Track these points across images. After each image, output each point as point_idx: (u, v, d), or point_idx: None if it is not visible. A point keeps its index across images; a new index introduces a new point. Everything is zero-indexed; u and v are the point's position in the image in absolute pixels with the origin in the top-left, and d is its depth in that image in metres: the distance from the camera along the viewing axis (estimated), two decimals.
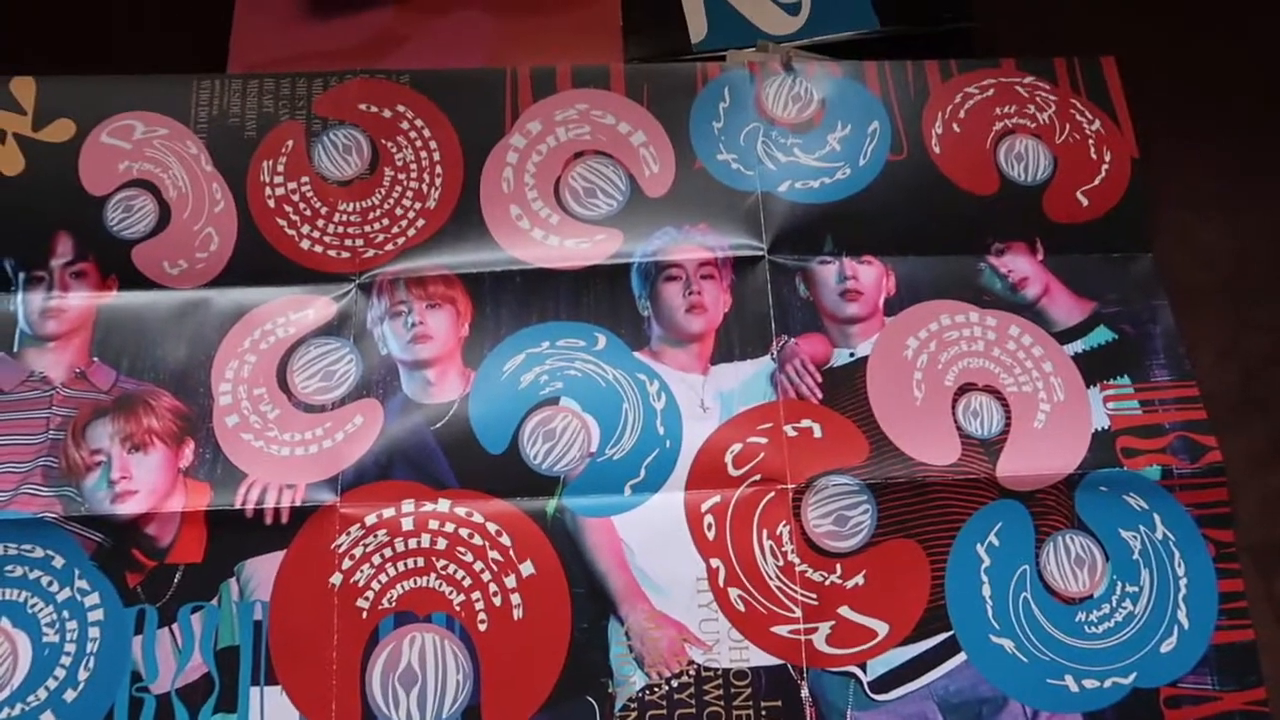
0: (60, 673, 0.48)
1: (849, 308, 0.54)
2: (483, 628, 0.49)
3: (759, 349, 0.53)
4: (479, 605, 0.49)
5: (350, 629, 0.48)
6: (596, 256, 0.55)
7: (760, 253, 0.55)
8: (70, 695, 0.48)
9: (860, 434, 0.52)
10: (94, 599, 0.49)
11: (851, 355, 0.54)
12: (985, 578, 0.50)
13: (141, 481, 0.50)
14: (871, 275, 0.55)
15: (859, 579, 0.50)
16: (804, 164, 0.57)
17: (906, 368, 0.53)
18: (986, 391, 0.53)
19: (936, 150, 0.58)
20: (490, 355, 0.53)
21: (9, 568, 0.49)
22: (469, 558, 0.50)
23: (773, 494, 0.51)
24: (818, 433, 0.52)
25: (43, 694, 0.48)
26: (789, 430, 0.52)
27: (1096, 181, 0.58)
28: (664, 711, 0.48)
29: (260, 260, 0.55)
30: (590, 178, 0.57)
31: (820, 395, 0.53)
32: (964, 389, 0.53)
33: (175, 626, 0.49)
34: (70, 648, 0.48)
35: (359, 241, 0.55)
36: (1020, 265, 0.56)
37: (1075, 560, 0.51)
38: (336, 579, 0.49)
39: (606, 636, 0.49)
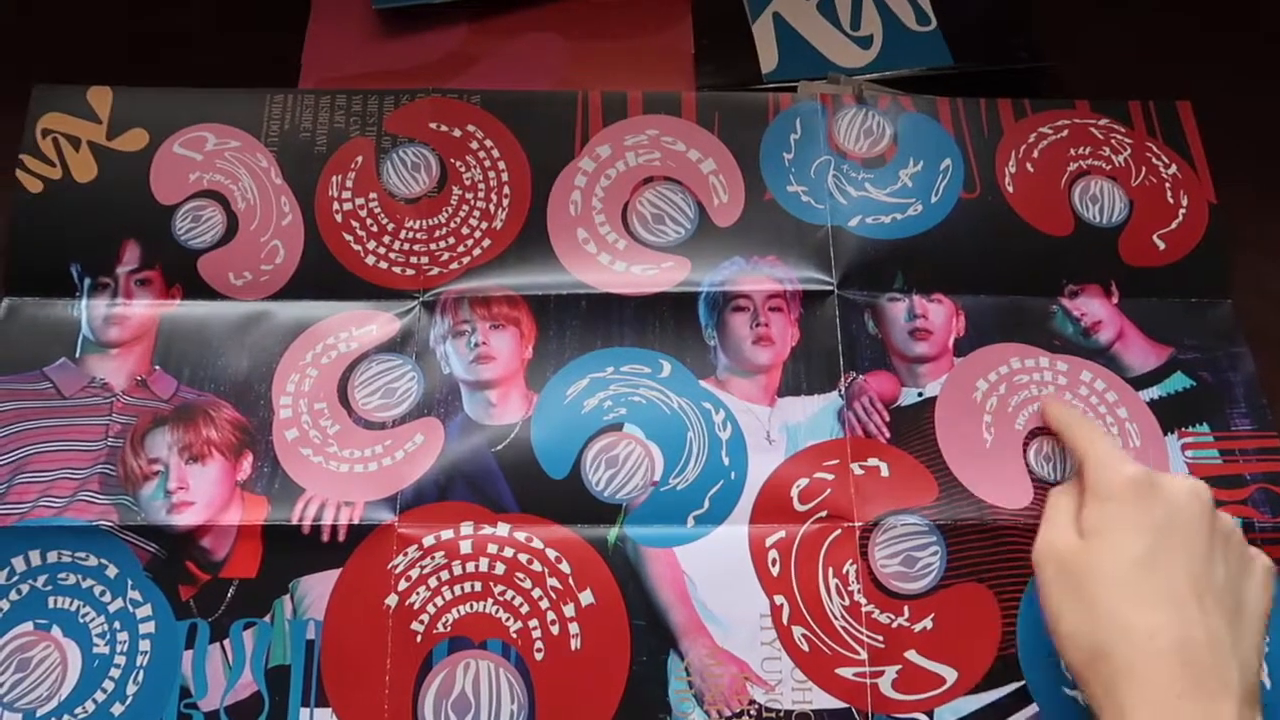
0: (109, 685, 0.48)
1: (918, 346, 0.54)
2: (539, 657, 0.48)
3: (826, 384, 0.53)
4: (536, 633, 0.48)
5: (404, 652, 0.48)
6: (663, 284, 0.55)
7: (829, 287, 0.55)
8: (118, 709, 0.47)
9: (929, 475, 0.51)
10: (146, 610, 0.48)
11: (920, 395, 0.53)
12: None
13: (199, 493, 0.50)
14: (942, 314, 0.55)
15: (927, 622, 0.49)
16: (875, 199, 0.57)
17: (976, 410, 0.53)
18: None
19: (1010, 189, 0.58)
20: (554, 378, 0.53)
21: (62, 575, 0.49)
22: (527, 584, 0.49)
23: (839, 531, 0.50)
24: (885, 472, 0.51)
25: (90, 706, 0.47)
26: (856, 468, 0.51)
27: (1174, 225, 0.57)
28: None
29: (325, 274, 0.55)
30: (659, 204, 0.57)
31: (888, 434, 0.52)
32: (1034, 433, 0.53)
33: (227, 642, 0.48)
34: (120, 660, 0.48)
35: (424, 259, 0.55)
36: (1094, 308, 0.55)
37: None
38: (392, 600, 0.48)
39: (666, 671, 0.48)
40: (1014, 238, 0.57)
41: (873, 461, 0.51)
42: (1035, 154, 0.59)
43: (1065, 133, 0.60)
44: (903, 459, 0.51)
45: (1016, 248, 0.56)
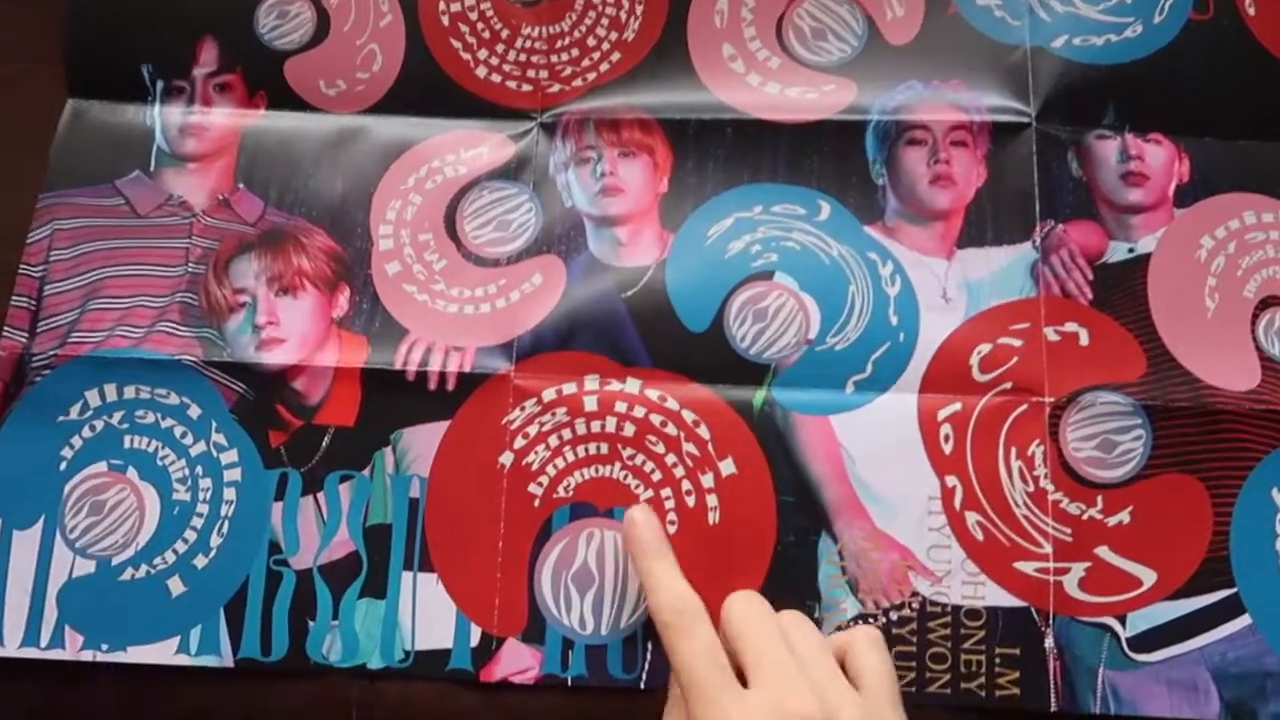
0: (191, 535, 0.45)
1: (1131, 194, 0.48)
2: (672, 530, 0.44)
3: (1018, 234, 0.47)
4: (669, 504, 0.45)
5: (520, 517, 0.45)
6: (825, 110, 0.49)
7: (1026, 119, 0.49)
8: (201, 561, 0.45)
9: (1136, 345, 0.46)
10: (231, 456, 0.46)
11: (1131, 251, 0.47)
12: None
13: (290, 329, 0.47)
14: (1160, 157, 0.48)
15: (1124, 516, 0.44)
16: (1085, 16, 0.50)
17: (1198, 272, 0.47)
18: None
19: (1250, 11, 0.50)
20: (693, 216, 0.48)
21: (139, 413, 0.46)
22: (660, 449, 0.45)
23: (1026, 406, 0.45)
24: (1084, 339, 0.46)
25: (171, 557, 0.45)
26: (1050, 333, 0.46)
27: None
28: None
29: (429, 86, 0.50)
30: (820, 17, 0.51)
31: (1090, 295, 0.47)
32: (1267, 303, 0.47)
33: (321, 495, 0.45)
34: (203, 508, 0.45)
35: (543, 73, 0.50)
36: None
37: None
38: (507, 459, 0.45)
39: (816, 554, 0.44)
40: (1252, 70, 0.49)
41: (1070, 326, 0.46)
42: None
43: None
44: (1106, 325, 0.46)
45: (1255, 83, 0.49)
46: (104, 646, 0.44)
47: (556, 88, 0.50)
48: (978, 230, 0.47)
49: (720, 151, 0.49)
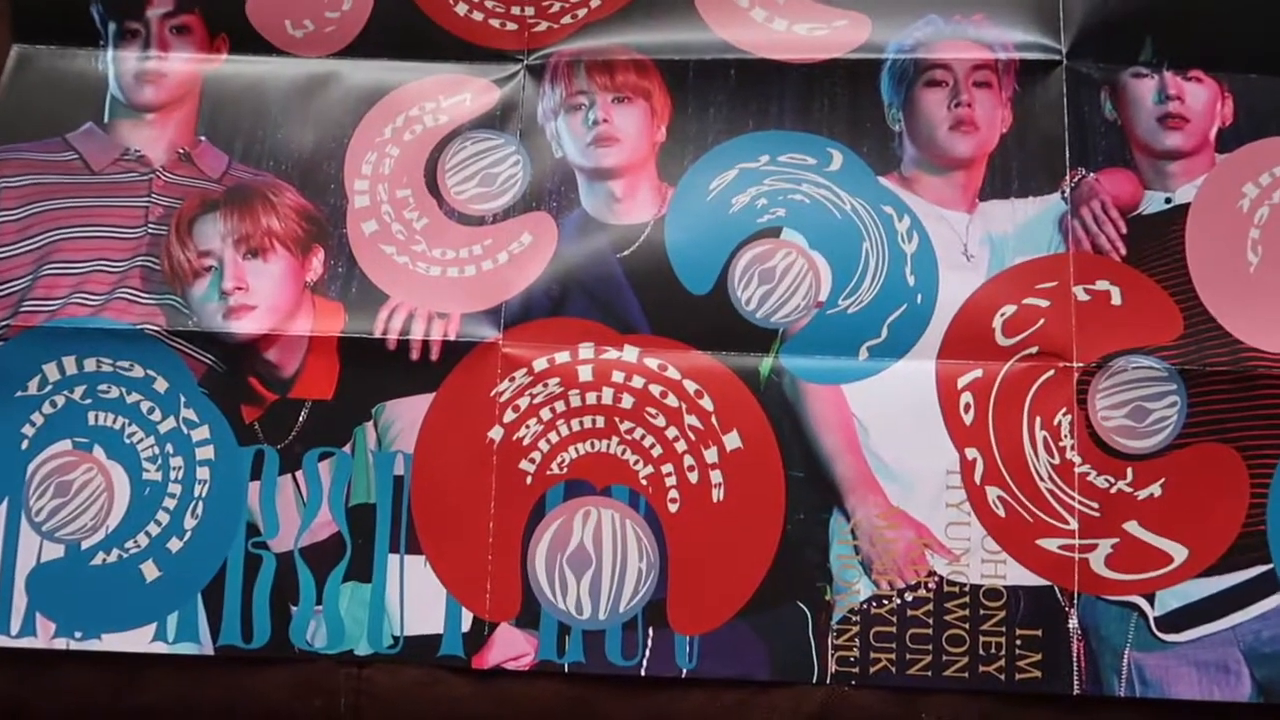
0: (163, 517, 0.43)
1: (1169, 138, 0.45)
2: (674, 508, 0.43)
3: (1046, 184, 0.45)
4: (670, 480, 0.43)
5: (511, 495, 0.43)
6: (836, 48, 0.46)
7: (1056, 56, 0.46)
8: (175, 544, 0.43)
9: (1172, 304, 0.44)
10: (203, 433, 0.44)
11: (1168, 201, 0.45)
12: None
13: (260, 294, 0.44)
14: (1202, 97, 0.46)
15: (1154, 488, 0.42)
16: None
17: (1240, 223, 0.45)
18: None
19: None
20: (693, 168, 0.45)
21: (102, 387, 0.44)
22: (660, 422, 0.43)
23: (1052, 372, 0.43)
24: (1116, 298, 0.44)
25: (143, 540, 0.43)
26: (1079, 292, 0.44)
27: None
28: (893, 629, 0.42)
29: (405, 26, 0.47)
30: None
31: (1123, 250, 0.44)
32: None
33: (300, 474, 0.43)
34: (175, 488, 0.43)
35: (529, 10, 0.47)
36: None
37: None
38: (496, 433, 0.43)
39: (827, 533, 0.43)
40: None
41: (1101, 285, 0.44)
42: None
43: None
44: (1140, 283, 0.44)
45: None
46: (77, 634, 0.42)
47: (544, 26, 0.47)
48: (1002, 180, 0.45)
49: (722, 96, 0.46)
